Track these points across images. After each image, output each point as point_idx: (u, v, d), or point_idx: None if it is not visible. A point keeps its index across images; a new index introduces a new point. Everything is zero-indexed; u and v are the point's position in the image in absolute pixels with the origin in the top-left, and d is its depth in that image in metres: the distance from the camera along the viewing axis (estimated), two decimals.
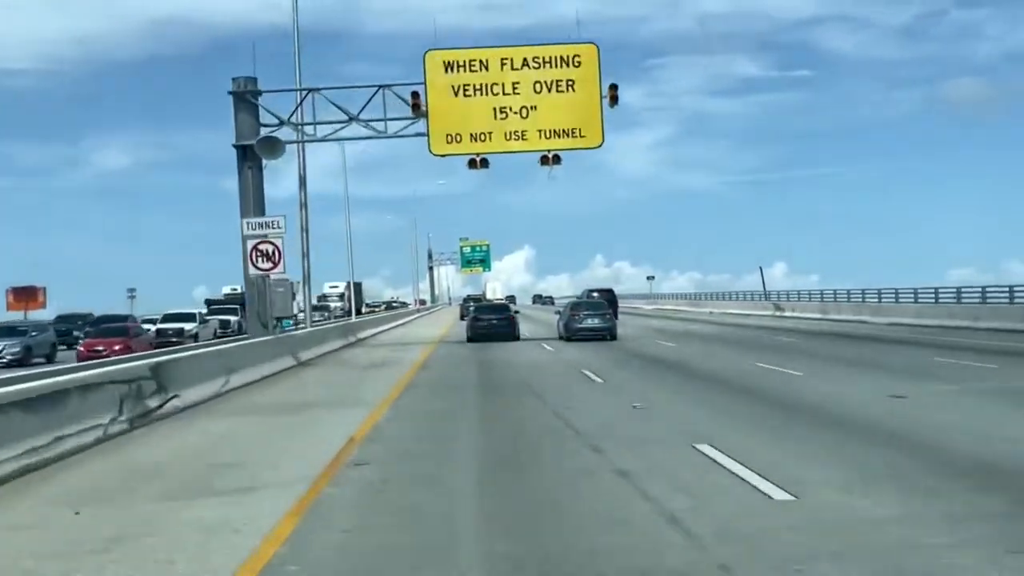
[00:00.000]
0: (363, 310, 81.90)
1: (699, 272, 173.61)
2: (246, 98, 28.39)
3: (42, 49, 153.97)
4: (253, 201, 27.76)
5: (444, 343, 34.52)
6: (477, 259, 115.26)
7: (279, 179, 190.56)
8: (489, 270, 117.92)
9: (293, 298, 34.28)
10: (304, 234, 31.85)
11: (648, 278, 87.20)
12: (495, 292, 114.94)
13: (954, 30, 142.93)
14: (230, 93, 28.39)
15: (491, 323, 35.21)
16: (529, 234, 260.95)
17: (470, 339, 33.96)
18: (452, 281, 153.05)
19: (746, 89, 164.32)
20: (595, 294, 57.60)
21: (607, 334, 31.84)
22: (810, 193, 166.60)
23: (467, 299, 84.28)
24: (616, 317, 38.70)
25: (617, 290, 63.95)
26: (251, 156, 27.95)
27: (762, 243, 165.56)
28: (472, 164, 29.12)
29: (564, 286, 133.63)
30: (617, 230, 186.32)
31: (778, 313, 52.85)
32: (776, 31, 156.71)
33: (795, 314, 50.36)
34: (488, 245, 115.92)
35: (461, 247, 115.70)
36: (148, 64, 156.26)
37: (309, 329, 32.07)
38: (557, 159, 28.88)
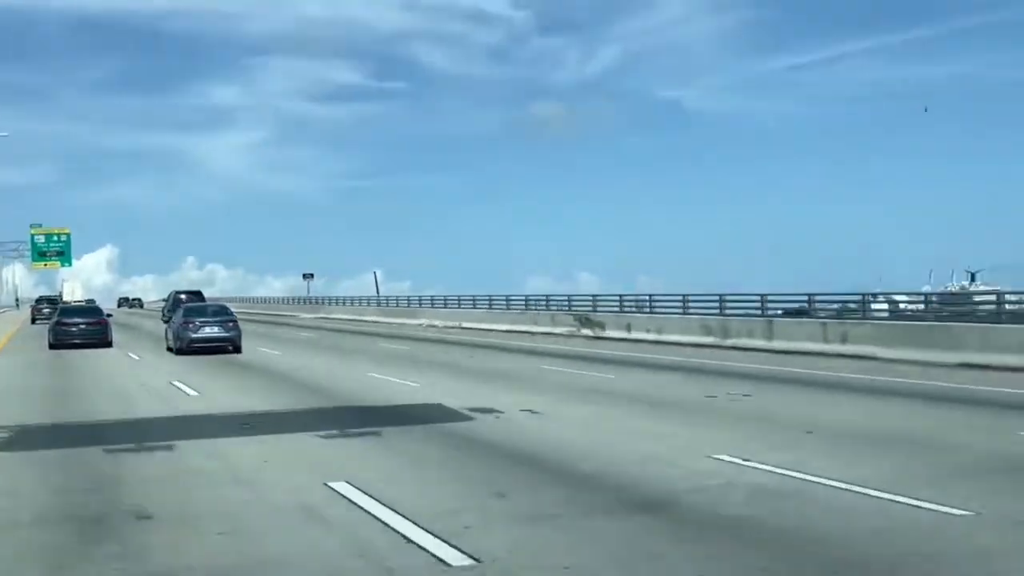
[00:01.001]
0: None
1: (295, 276, 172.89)
2: None
3: None
4: None
5: None
6: (54, 251, 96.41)
7: None
8: (69, 265, 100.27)
9: None
10: None
11: (305, 276, 71.16)
12: (74, 293, 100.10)
13: (535, 55, 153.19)
14: None
15: (80, 328, 31.59)
16: (111, 232, 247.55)
17: (52, 345, 30.82)
18: (21, 280, 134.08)
19: (343, 96, 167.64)
20: (183, 296, 55.80)
21: (230, 345, 27.72)
22: (403, 201, 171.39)
23: (40, 300, 76.09)
24: None
25: (210, 293, 63.56)
26: None
27: (358, 248, 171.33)
28: None
29: (150, 288, 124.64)
30: (211, 231, 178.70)
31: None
32: (375, 41, 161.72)
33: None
34: (68, 234, 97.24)
35: (32, 235, 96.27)
36: None
37: None
38: None
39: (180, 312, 29.42)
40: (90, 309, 36.69)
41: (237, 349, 27.62)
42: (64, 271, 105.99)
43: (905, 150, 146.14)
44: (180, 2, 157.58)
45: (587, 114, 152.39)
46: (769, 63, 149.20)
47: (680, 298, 33.31)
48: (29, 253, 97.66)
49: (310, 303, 72.34)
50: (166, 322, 32.90)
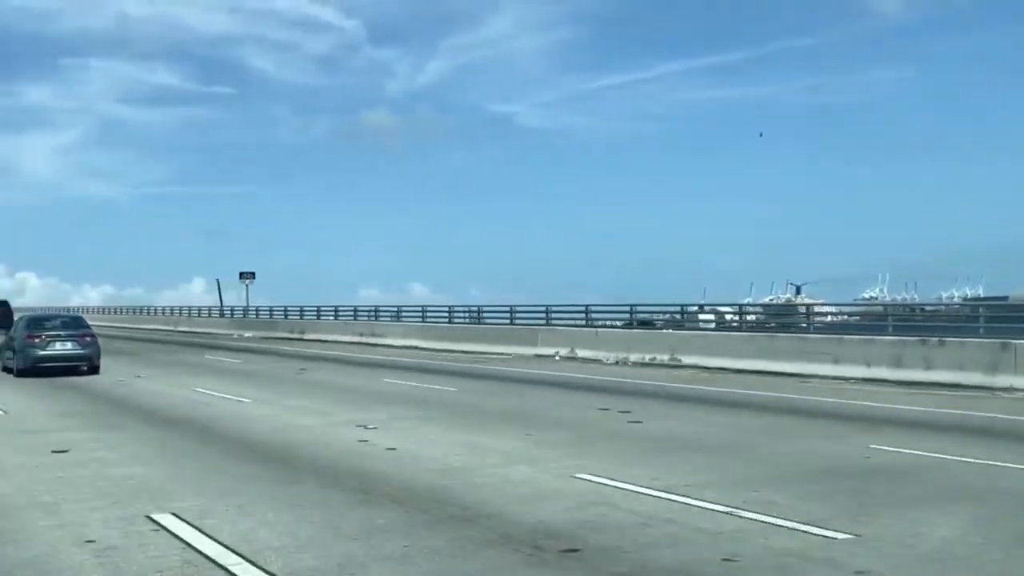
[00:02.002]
0: None
1: (113, 286, 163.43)
2: None
3: None
4: None
5: None
6: None
7: None
8: None
9: None
10: None
11: (244, 275, 56.77)
12: None
13: (367, 65, 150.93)
14: None
15: None
16: None
17: None
18: None
19: (164, 99, 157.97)
20: None
21: (86, 364, 23.48)
22: (225, 210, 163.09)
23: None
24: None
25: (22, 302, 58.96)
26: None
27: (178, 258, 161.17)
28: None
29: None
30: (22, 237, 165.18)
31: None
32: (197, 44, 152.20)
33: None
34: None
35: None
36: None
37: None
38: None
39: (22, 323, 24.79)
40: None
41: (94, 369, 23.59)
42: None
43: (726, 165, 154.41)
44: None
45: (417, 126, 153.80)
46: (592, 80, 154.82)
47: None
48: None
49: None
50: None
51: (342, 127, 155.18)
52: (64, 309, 72.88)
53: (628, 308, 30.81)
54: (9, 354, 24.39)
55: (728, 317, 33.27)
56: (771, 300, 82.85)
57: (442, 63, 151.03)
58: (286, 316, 50.74)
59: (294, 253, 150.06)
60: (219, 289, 64.83)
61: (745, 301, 59.17)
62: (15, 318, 48.23)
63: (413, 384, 20.41)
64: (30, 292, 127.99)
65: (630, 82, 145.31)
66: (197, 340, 45.23)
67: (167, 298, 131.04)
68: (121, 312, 76.59)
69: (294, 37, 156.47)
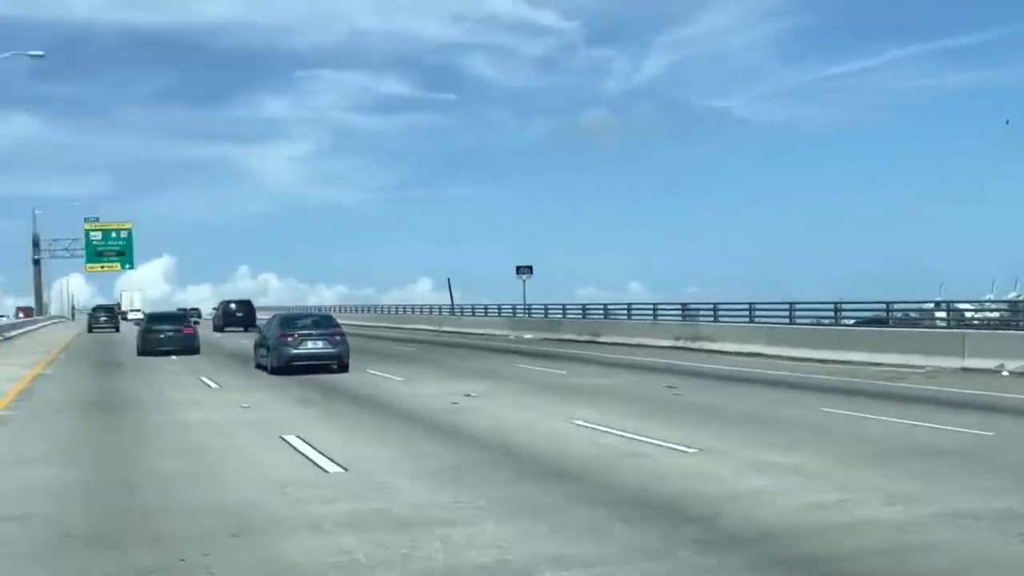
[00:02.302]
0: None
1: (346, 286, 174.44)
2: None
3: None
4: None
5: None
6: (112, 250, 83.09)
7: None
8: (131, 267, 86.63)
9: None
10: None
11: (521, 269, 51.79)
12: (132, 303, 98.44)
13: (584, 65, 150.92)
14: None
15: (168, 335, 32.00)
16: (168, 243, 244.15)
17: (141, 352, 31.41)
18: (77, 289, 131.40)
19: (393, 107, 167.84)
20: (232, 305, 57.46)
21: (336, 362, 23.44)
22: (450, 212, 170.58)
23: (96, 309, 72.00)
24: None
25: (264, 302, 62.37)
26: None
27: (405, 259, 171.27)
28: None
29: (207, 297, 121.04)
30: (263, 241, 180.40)
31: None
32: (423, 53, 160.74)
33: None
34: (130, 229, 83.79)
35: (87, 232, 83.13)
36: None
37: None
38: None
39: (275, 323, 24.62)
40: (178, 316, 37.19)
41: (344, 367, 23.33)
42: (124, 278, 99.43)
43: (963, 154, 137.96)
44: (233, 17, 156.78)
45: (634, 124, 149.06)
46: (815, 70, 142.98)
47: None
48: (83, 254, 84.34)
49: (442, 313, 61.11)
50: (257, 331, 28.14)
51: (560, 128, 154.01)
52: (313, 308, 73.41)
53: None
54: (263, 351, 24.54)
55: (968, 315, 30.37)
56: (1017, 297, 70.76)
57: (658, 60, 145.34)
58: (564, 315, 45.43)
59: (511, 253, 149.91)
60: (449, 288, 63.09)
61: (986, 298, 49.12)
62: (257, 317, 54.35)
63: (952, 429, 12.63)
64: (271, 292, 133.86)
65: (855, 71, 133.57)
66: (478, 342, 40.28)
67: (395, 297, 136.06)
68: (380, 311, 73.86)
69: (513, 41, 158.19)
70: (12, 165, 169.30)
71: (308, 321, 25.38)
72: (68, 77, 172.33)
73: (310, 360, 22.98)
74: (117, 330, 64.54)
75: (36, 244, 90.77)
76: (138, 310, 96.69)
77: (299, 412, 15.82)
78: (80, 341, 48.54)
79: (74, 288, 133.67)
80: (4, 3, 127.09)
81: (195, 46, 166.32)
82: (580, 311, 44.45)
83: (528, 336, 42.54)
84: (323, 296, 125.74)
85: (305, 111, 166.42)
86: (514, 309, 51.02)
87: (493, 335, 45.73)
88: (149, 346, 31.55)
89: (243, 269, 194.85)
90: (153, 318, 35.09)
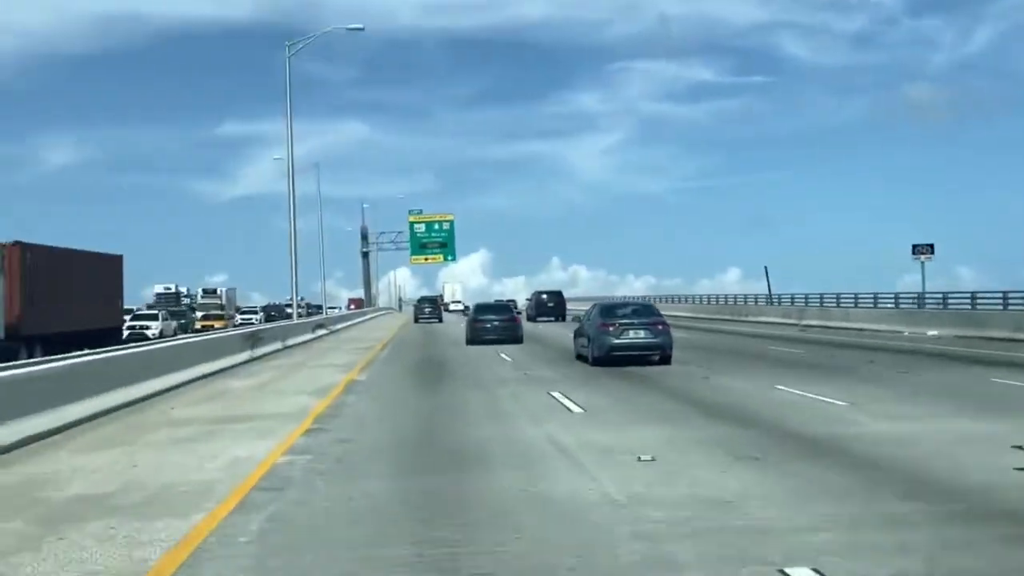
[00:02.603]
0: (197, 325, 56.35)
1: (654, 276, 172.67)
2: None
3: None
4: None
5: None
6: (435, 242, 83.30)
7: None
8: (453, 259, 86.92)
9: None
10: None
11: (920, 248, 44.79)
12: (454, 294, 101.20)
13: (906, 38, 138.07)
14: None
15: (494, 324, 33.69)
16: (484, 237, 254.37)
17: (470, 342, 32.95)
18: (403, 282, 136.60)
19: (700, 94, 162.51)
20: (544, 296, 60.31)
21: (658, 353, 22.35)
22: (760, 199, 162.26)
23: (421, 300, 74.10)
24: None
25: (573, 293, 62.28)
26: None
27: (713, 248, 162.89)
28: None
29: (520, 288, 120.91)
30: (573, 233, 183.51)
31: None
32: (731, 36, 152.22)
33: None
34: (452, 221, 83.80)
35: (411, 224, 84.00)
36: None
37: None
38: None
39: (596, 313, 23.87)
40: (503, 307, 38.62)
41: (666, 359, 22.32)
42: (445, 271, 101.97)
43: None
44: (544, 16, 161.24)
45: (966, 97, 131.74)
46: None
47: None
48: (408, 245, 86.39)
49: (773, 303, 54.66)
50: (576, 319, 27.52)
51: (881, 105, 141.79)
52: (621, 299, 70.38)
53: None
54: (583, 341, 24.13)
55: None
56: None
57: (991, 29, 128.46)
58: (973, 305, 35.69)
59: (826, 237, 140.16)
60: (767, 276, 60.75)
61: None
62: (567, 307, 58.77)
63: None
64: (581, 283, 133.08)
65: None
66: (869, 341, 31.62)
67: (704, 287, 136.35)
68: (700, 301, 66.63)
69: (825, 19, 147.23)
70: (345, 168, 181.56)
71: (628, 310, 24.50)
72: (394, 83, 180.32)
73: (631, 351, 22.18)
74: (440, 320, 64.63)
75: (364, 237, 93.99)
76: (459, 301, 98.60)
77: (751, 477, 8.93)
78: (405, 332, 47.80)
79: (400, 280, 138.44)
80: (338, 16, 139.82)
81: (508, 46, 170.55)
82: (1000, 299, 34.44)
83: (932, 333, 33.26)
84: (632, 287, 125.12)
85: (615, 103, 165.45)
86: (894, 299, 41.78)
87: (877, 331, 36.81)
88: (477, 335, 33.01)
89: (555, 261, 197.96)
90: (480, 308, 36.53)
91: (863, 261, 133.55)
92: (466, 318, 39.65)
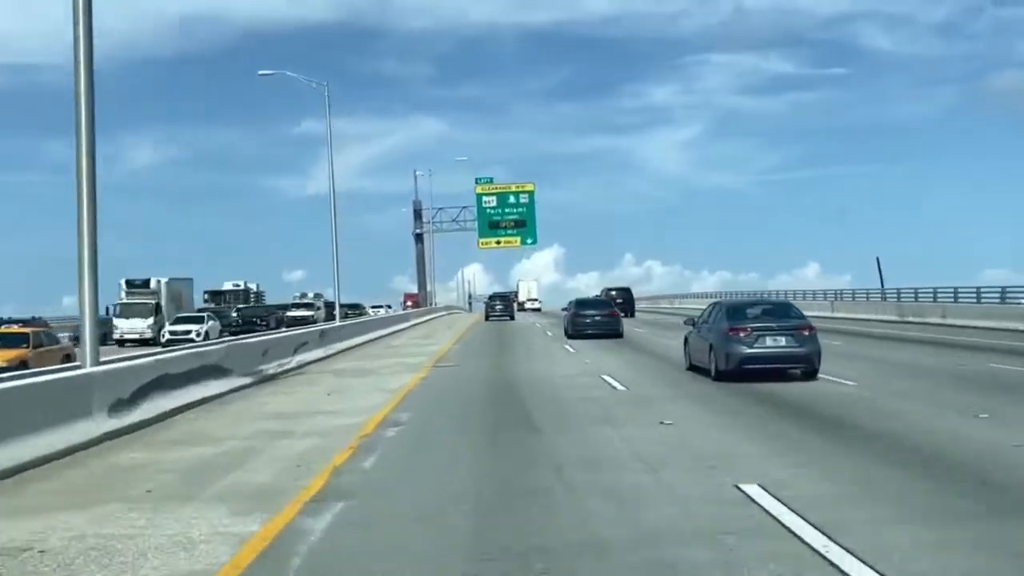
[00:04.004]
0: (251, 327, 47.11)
1: (729, 272, 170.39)
2: None
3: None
4: None
5: None
6: (510, 221, 67.32)
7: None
8: (534, 242, 70.28)
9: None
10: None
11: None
12: (530, 292, 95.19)
13: (992, 26, 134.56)
14: None
15: (595, 319, 35.53)
16: (558, 233, 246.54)
17: (571, 336, 34.85)
18: (471, 276, 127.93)
19: (779, 87, 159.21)
20: (613, 292, 60.15)
21: (802, 366, 18.28)
22: (840, 192, 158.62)
23: (493, 297, 67.31)
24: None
25: (649, 290, 61.84)
26: None
27: (791, 243, 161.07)
28: None
29: (594, 284, 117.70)
30: (647, 228, 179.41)
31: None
32: (810, 28, 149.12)
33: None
34: (531, 192, 67.78)
35: (479, 196, 67.40)
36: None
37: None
38: None
39: (720, 314, 19.74)
40: (603, 302, 41.64)
41: (812, 373, 18.20)
42: (520, 269, 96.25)
43: None
44: (619, 9, 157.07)
45: None
46: None
47: None
48: (475, 225, 68.94)
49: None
50: (691, 324, 21.91)
51: (966, 96, 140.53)
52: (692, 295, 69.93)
53: None
54: (699, 348, 20.04)
55: None
56: None
57: None
58: None
59: (912, 231, 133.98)
60: (879, 268, 57.74)
61: None
62: (636, 304, 61.73)
63: None
64: (655, 279, 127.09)
65: None
66: None
67: (781, 282, 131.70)
68: (825, 297, 57.42)
69: (909, 9, 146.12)
70: (417, 165, 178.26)
71: (759, 310, 20.13)
72: (468, 79, 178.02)
73: (769, 362, 18.24)
74: (512, 318, 61.73)
75: (418, 215, 73.94)
76: (535, 299, 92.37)
77: None
78: (471, 334, 42.13)
79: (469, 275, 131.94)
80: (413, 15, 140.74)
81: (582, 40, 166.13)
82: None
83: None
84: (706, 282, 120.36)
85: (690, 96, 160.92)
86: None
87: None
88: (578, 329, 35.17)
89: (628, 256, 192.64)
90: (581, 303, 38.22)
91: (942, 253, 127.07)
92: (565, 313, 41.40)
